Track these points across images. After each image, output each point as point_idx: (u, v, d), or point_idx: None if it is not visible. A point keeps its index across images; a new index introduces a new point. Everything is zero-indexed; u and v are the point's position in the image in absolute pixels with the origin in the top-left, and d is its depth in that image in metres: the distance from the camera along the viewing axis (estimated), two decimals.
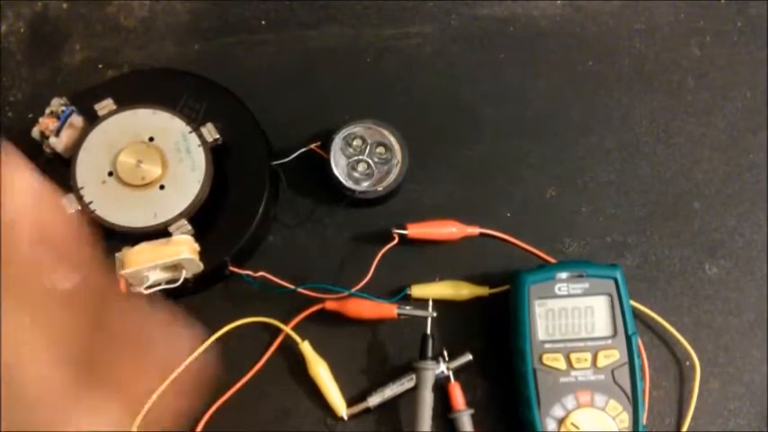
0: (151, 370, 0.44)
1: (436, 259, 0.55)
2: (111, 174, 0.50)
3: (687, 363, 0.54)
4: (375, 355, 0.53)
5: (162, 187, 0.50)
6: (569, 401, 0.48)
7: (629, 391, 0.48)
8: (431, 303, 0.53)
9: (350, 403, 0.52)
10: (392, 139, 0.55)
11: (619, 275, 0.49)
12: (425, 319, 0.52)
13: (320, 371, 0.52)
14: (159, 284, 0.49)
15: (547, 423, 0.48)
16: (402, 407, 0.52)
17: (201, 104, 0.54)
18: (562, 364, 0.48)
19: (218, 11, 0.62)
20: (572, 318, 0.49)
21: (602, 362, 0.48)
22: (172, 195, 0.50)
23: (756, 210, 0.57)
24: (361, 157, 0.54)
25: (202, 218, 0.51)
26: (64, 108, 0.51)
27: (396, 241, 0.53)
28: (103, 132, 0.51)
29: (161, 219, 0.49)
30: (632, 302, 0.51)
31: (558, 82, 0.60)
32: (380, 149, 0.55)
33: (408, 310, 0.52)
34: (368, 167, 0.54)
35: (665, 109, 0.60)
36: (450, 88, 0.60)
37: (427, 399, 0.50)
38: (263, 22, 0.62)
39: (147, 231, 0.49)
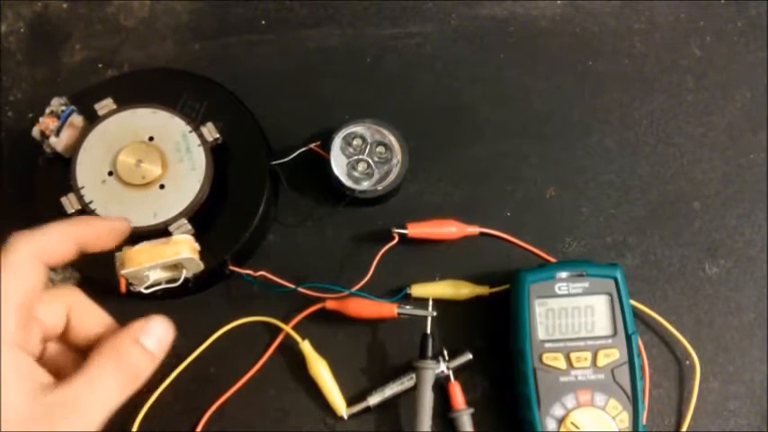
0: None
1: (436, 259, 0.55)
2: (111, 173, 0.50)
3: (687, 363, 0.54)
4: (375, 355, 0.53)
5: (162, 187, 0.50)
6: (569, 401, 0.48)
7: (628, 390, 0.48)
8: (431, 303, 0.53)
9: (350, 403, 0.52)
10: (392, 139, 0.55)
11: (619, 275, 0.49)
12: (425, 318, 0.52)
13: (320, 370, 0.52)
14: (159, 284, 0.49)
15: (547, 422, 0.48)
16: (402, 406, 0.52)
17: (201, 104, 0.54)
18: (562, 364, 0.48)
19: (218, 11, 0.62)
20: (572, 317, 0.49)
21: (602, 361, 0.48)
22: (172, 195, 0.50)
23: (756, 210, 0.57)
24: (361, 157, 0.54)
25: (202, 217, 0.51)
26: (64, 108, 0.51)
27: (396, 241, 0.53)
28: (103, 132, 0.51)
29: (161, 218, 0.49)
30: (632, 302, 0.51)
31: (558, 82, 0.60)
32: (380, 149, 0.55)
33: (408, 309, 0.52)
34: (368, 167, 0.54)
35: (665, 109, 0.60)
36: (451, 88, 0.60)
37: (427, 398, 0.49)
38: (263, 22, 0.62)
39: (147, 231, 0.49)
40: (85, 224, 0.38)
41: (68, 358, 0.38)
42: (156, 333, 0.37)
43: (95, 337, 0.37)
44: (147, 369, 0.36)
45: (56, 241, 0.36)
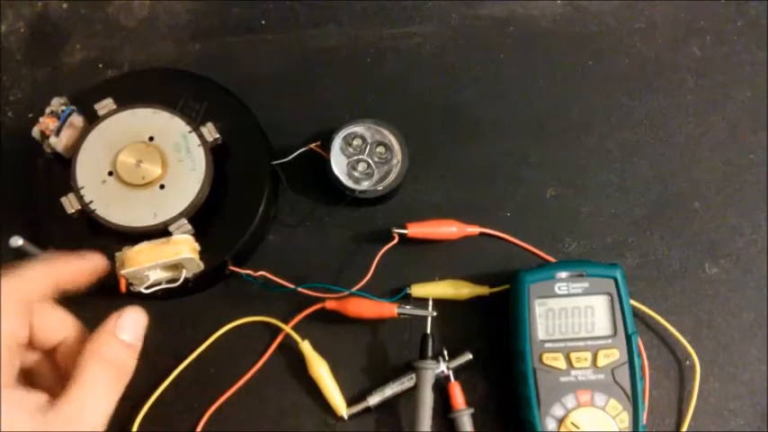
0: None
1: (436, 259, 0.55)
2: (111, 173, 0.50)
3: (687, 363, 0.54)
4: (375, 355, 0.53)
5: (162, 187, 0.50)
6: (569, 401, 0.48)
7: (629, 390, 0.48)
8: (431, 303, 0.53)
9: (350, 403, 0.52)
10: (392, 139, 0.55)
11: (619, 275, 0.49)
12: (425, 318, 0.52)
13: (320, 370, 0.52)
14: (159, 284, 0.50)
15: (547, 423, 0.48)
16: (402, 406, 0.52)
17: (201, 104, 0.54)
18: (562, 364, 0.48)
19: (218, 11, 0.62)
20: (572, 317, 0.49)
21: (602, 361, 0.48)
22: (172, 195, 0.50)
23: (756, 210, 0.57)
24: (361, 157, 0.54)
25: (202, 218, 0.51)
26: (64, 108, 0.51)
27: (396, 241, 0.53)
28: (103, 132, 0.51)
29: (161, 218, 0.49)
30: (632, 302, 0.51)
31: (558, 82, 0.60)
32: (380, 149, 0.55)
33: (408, 309, 0.52)
34: (368, 167, 0.54)
35: (664, 109, 0.60)
36: (451, 88, 0.60)
37: (427, 398, 0.49)
38: (263, 22, 0.62)
39: (147, 231, 0.49)
40: (63, 264, 0.39)
41: (37, 362, 0.39)
42: (130, 324, 0.38)
43: (61, 339, 0.38)
44: (131, 361, 0.38)
45: (37, 285, 0.37)
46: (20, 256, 0.49)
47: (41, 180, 0.53)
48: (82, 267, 0.40)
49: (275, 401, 0.53)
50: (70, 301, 0.54)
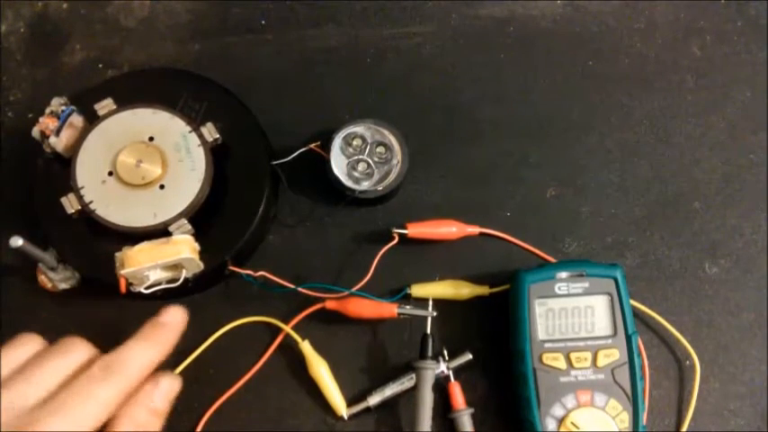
0: None
1: (436, 259, 0.55)
2: (111, 173, 0.50)
3: (687, 363, 0.54)
4: (375, 355, 0.53)
5: (162, 187, 0.50)
6: (569, 401, 0.48)
7: (629, 390, 0.48)
8: (431, 303, 0.53)
9: (350, 403, 0.52)
10: (392, 139, 0.55)
11: (619, 275, 0.49)
12: (425, 318, 0.52)
13: (320, 370, 0.52)
14: (159, 284, 0.50)
15: (547, 423, 0.48)
16: (402, 406, 0.52)
17: (201, 104, 0.54)
18: (562, 364, 0.48)
19: (218, 11, 0.62)
20: (572, 317, 0.49)
21: (602, 361, 0.48)
22: (172, 195, 0.50)
23: (756, 210, 0.57)
24: (361, 157, 0.54)
25: (202, 218, 0.51)
26: (64, 108, 0.51)
27: (396, 241, 0.53)
28: (103, 132, 0.51)
29: (161, 218, 0.49)
30: (632, 302, 0.51)
31: (558, 82, 0.60)
32: (380, 149, 0.55)
33: (408, 309, 0.52)
34: (368, 167, 0.54)
35: (665, 109, 0.60)
36: (451, 88, 0.60)
37: (427, 398, 0.49)
38: (263, 22, 0.62)
39: (147, 231, 0.49)
40: (163, 343, 0.39)
41: None
42: (164, 391, 0.39)
43: None
44: (158, 425, 0.38)
45: (142, 376, 0.38)
46: (20, 256, 0.49)
47: (41, 180, 0.53)
48: (175, 335, 0.40)
49: (275, 401, 0.53)
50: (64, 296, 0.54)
